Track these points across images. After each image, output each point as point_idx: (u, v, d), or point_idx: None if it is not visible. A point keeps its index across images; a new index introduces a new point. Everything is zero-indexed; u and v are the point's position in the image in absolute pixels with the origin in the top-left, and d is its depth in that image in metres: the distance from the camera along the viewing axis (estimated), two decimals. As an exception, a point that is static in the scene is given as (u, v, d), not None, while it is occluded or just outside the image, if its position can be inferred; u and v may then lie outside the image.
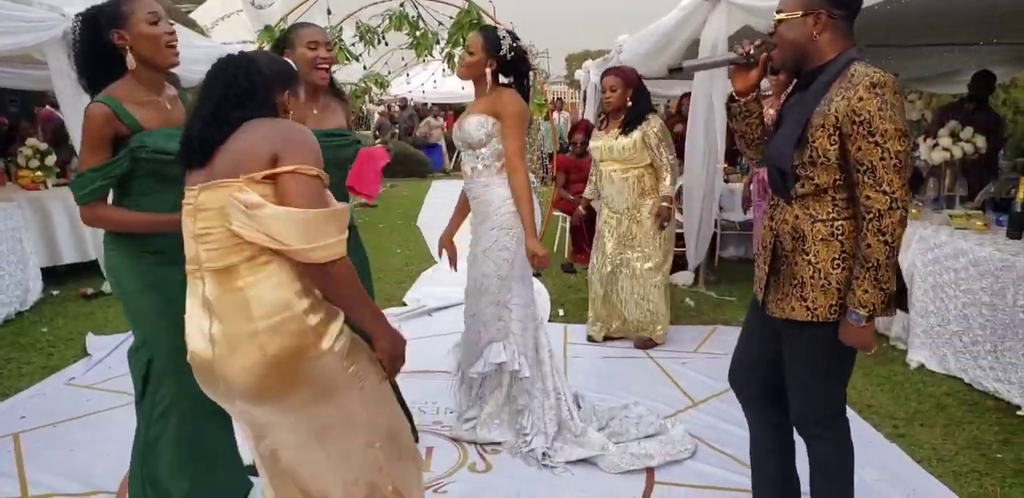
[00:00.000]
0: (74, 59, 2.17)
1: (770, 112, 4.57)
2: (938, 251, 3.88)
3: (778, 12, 1.96)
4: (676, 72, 2.18)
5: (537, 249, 2.89)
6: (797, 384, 2.12)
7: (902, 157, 1.82)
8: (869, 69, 1.86)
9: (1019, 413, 3.33)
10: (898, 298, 2.04)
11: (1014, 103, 10.62)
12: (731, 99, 2.14)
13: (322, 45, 2.56)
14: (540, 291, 5.25)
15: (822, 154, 1.90)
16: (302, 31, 2.60)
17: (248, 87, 1.68)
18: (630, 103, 4.16)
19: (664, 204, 4.11)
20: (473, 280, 2.98)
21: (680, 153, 6.02)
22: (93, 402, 3.51)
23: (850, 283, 1.92)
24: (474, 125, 2.88)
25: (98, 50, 2.13)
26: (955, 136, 4.46)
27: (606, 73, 4.31)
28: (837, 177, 1.92)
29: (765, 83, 4.53)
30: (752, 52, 2.02)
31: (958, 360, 3.75)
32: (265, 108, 1.70)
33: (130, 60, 2.13)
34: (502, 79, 2.95)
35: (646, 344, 4.33)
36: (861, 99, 1.81)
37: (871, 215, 1.84)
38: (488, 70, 2.85)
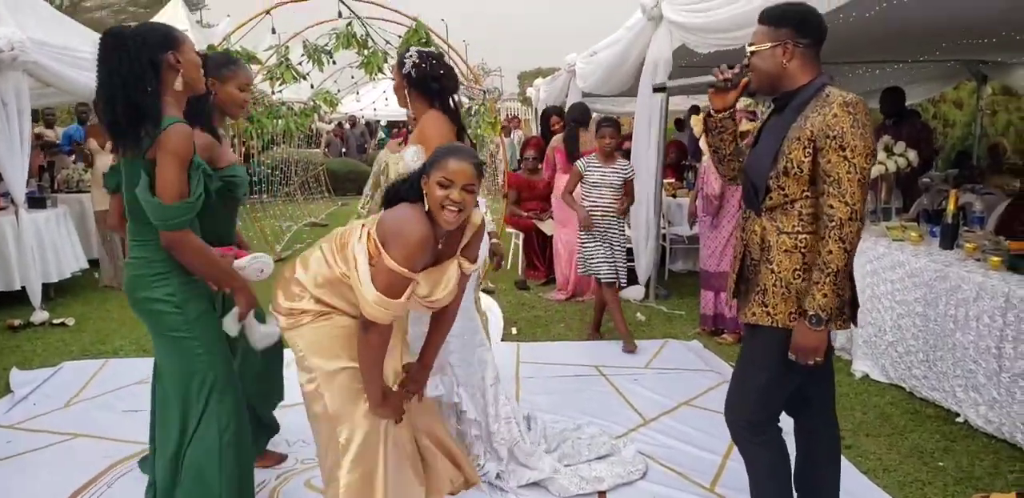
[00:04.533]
0: (123, 77, 2.09)
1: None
2: (876, 263, 3.99)
3: (750, 45, 2.13)
4: (660, 91, 2.41)
5: None
6: (739, 382, 2.27)
7: (866, 173, 1.97)
8: (842, 91, 2.04)
9: (958, 420, 3.44)
10: (852, 312, 2.18)
11: (943, 117, 11.03)
12: (708, 115, 2.30)
13: (248, 89, 2.78)
14: (492, 308, 5.24)
15: (796, 165, 2.03)
16: (239, 72, 2.73)
17: (414, 183, 2.21)
18: None
19: (495, 241, 3.80)
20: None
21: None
22: (14, 443, 3.30)
23: (809, 290, 2.03)
24: (411, 156, 2.84)
25: (148, 70, 2.12)
26: (889, 150, 4.61)
27: None
28: (805, 189, 2.06)
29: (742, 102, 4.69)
30: (731, 77, 2.18)
31: (896, 370, 3.85)
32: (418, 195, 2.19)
33: (178, 82, 2.17)
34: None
35: None
36: (836, 116, 1.97)
37: (833, 223, 1.97)
38: (406, 94, 2.81)
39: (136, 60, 2.09)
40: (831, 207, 1.97)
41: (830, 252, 1.97)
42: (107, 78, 2.11)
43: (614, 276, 4.69)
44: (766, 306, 2.12)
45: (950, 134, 10.95)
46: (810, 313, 2.00)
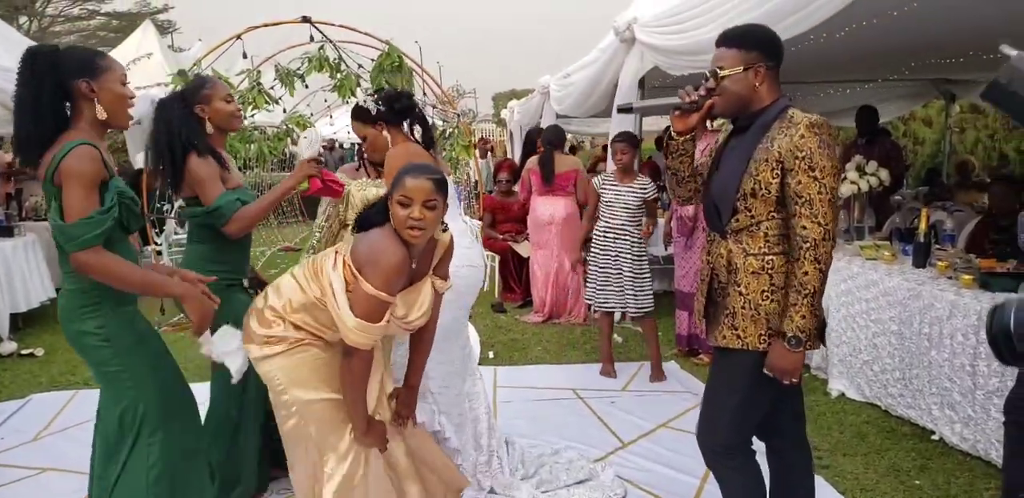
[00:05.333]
0: (26, 99, 2.07)
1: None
2: (851, 282, 4.01)
3: (720, 68, 2.09)
4: (626, 111, 2.29)
5: None
6: (710, 405, 2.24)
7: (835, 193, 1.99)
8: (806, 113, 2.05)
9: (933, 438, 3.44)
10: (820, 332, 2.16)
11: (913, 134, 11.23)
12: (670, 137, 2.26)
13: (233, 98, 2.75)
14: (468, 332, 5.19)
15: (764, 187, 2.03)
16: (217, 86, 2.74)
17: (383, 207, 2.17)
18: None
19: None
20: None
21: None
22: None
23: (781, 312, 2.03)
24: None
25: (55, 94, 2.09)
26: (861, 170, 4.66)
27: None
28: (772, 210, 2.05)
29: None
30: (696, 100, 2.13)
31: (872, 388, 3.86)
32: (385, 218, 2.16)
33: (100, 111, 2.13)
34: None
35: None
36: (803, 137, 1.98)
37: (808, 244, 1.96)
38: (387, 135, 2.80)
39: (43, 83, 2.06)
40: (804, 228, 1.97)
41: (806, 273, 1.97)
42: (17, 97, 2.08)
43: (609, 305, 4.49)
44: (736, 329, 2.11)
45: (920, 152, 11.14)
46: (788, 335, 1.99)
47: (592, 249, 4.53)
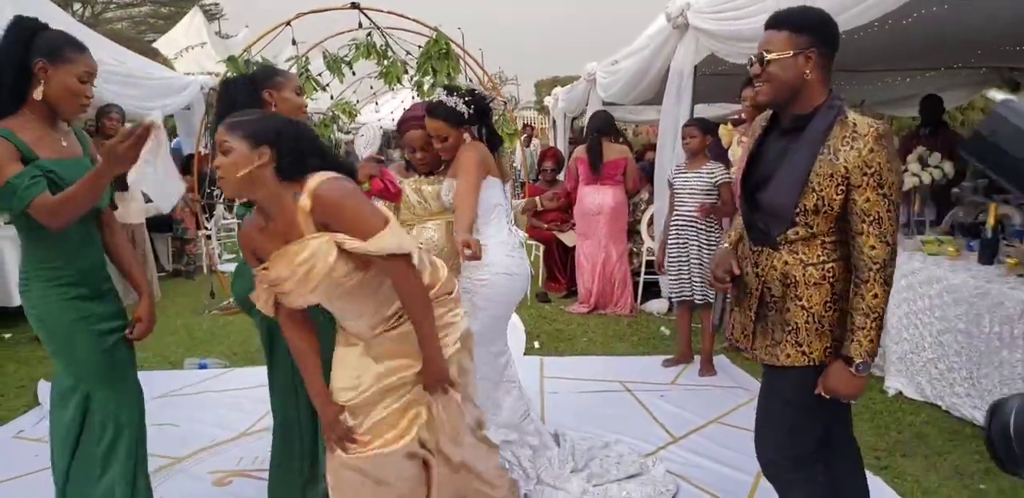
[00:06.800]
0: None
1: (743, 140, 4.61)
2: (911, 277, 3.87)
3: (767, 51, 1.93)
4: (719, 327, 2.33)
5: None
6: (769, 421, 2.12)
7: (897, 208, 1.88)
8: (867, 119, 1.90)
9: (999, 441, 3.31)
10: None
11: (972, 124, 10.86)
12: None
13: (302, 91, 2.68)
14: (514, 324, 5.16)
15: (827, 203, 1.90)
16: (291, 76, 2.69)
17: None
18: None
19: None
20: None
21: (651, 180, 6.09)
22: (42, 457, 3.23)
23: (846, 329, 1.92)
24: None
25: (14, 66, 2.09)
26: (923, 162, 4.49)
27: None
28: (832, 225, 1.94)
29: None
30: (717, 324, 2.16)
31: (934, 387, 3.72)
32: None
33: (38, 92, 2.11)
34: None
35: None
36: (872, 151, 1.84)
37: (877, 266, 1.86)
38: (468, 137, 2.76)
39: (8, 54, 2.06)
40: (873, 248, 1.85)
41: (875, 296, 1.86)
42: None
43: (684, 295, 4.39)
44: (800, 345, 1.98)
45: (978, 143, 10.78)
46: (857, 361, 1.88)
47: (668, 239, 4.44)
